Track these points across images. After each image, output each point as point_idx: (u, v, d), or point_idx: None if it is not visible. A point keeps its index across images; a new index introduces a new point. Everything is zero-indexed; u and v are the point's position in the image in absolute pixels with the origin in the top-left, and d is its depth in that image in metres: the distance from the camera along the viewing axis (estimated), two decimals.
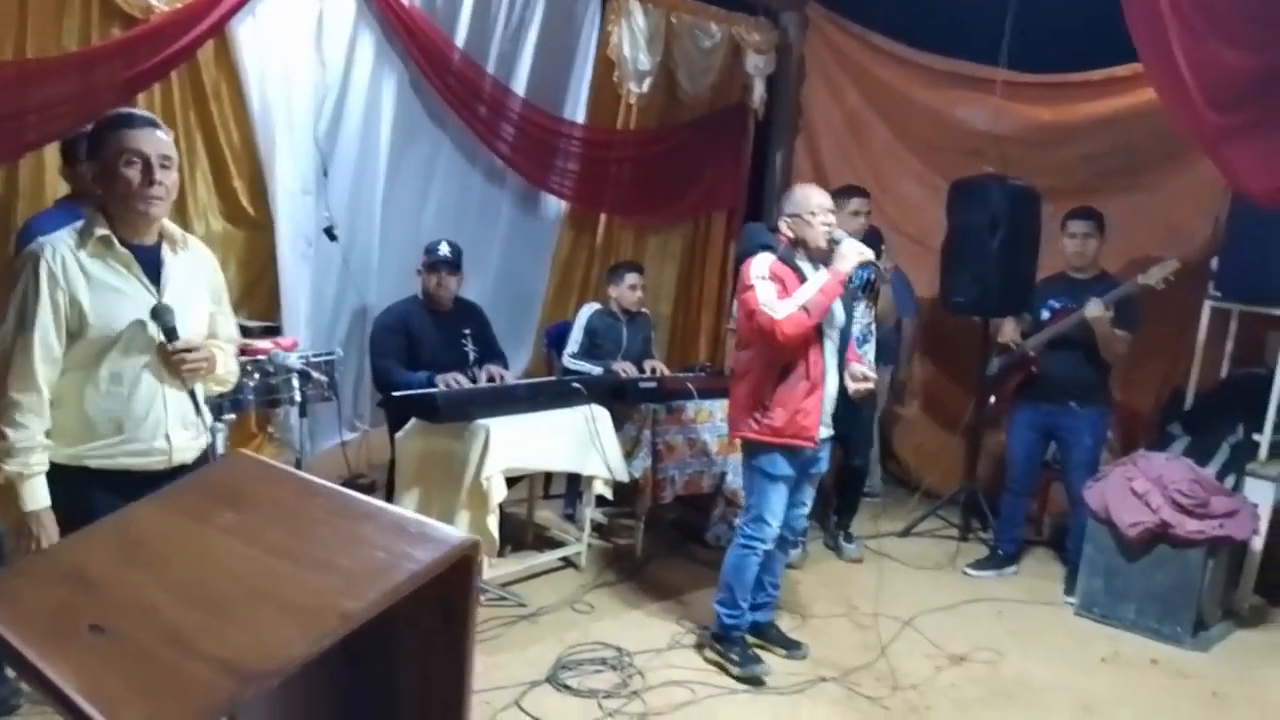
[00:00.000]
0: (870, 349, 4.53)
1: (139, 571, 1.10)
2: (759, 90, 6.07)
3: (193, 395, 2.30)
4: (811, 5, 6.13)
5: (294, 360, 3.57)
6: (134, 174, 2.14)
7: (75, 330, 2.14)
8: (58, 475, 2.17)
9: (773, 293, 3.13)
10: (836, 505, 4.76)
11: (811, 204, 3.26)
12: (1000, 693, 3.42)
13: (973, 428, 4.92)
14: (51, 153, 3.53)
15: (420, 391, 3.80)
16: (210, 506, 1.21)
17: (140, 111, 2.33)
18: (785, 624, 3.76)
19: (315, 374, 3.72)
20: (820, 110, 6.24)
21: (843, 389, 3.39)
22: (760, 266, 3.20)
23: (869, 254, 3.20)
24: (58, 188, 3.52)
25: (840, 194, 4.65)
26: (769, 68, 6.09)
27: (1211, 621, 3.89)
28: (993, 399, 4.62)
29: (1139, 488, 3.82)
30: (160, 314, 2.19)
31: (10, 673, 2.83)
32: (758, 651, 3.45)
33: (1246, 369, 4.50)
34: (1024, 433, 4.41)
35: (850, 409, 4.40)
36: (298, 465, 3.56)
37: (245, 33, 3.93)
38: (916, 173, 5.76)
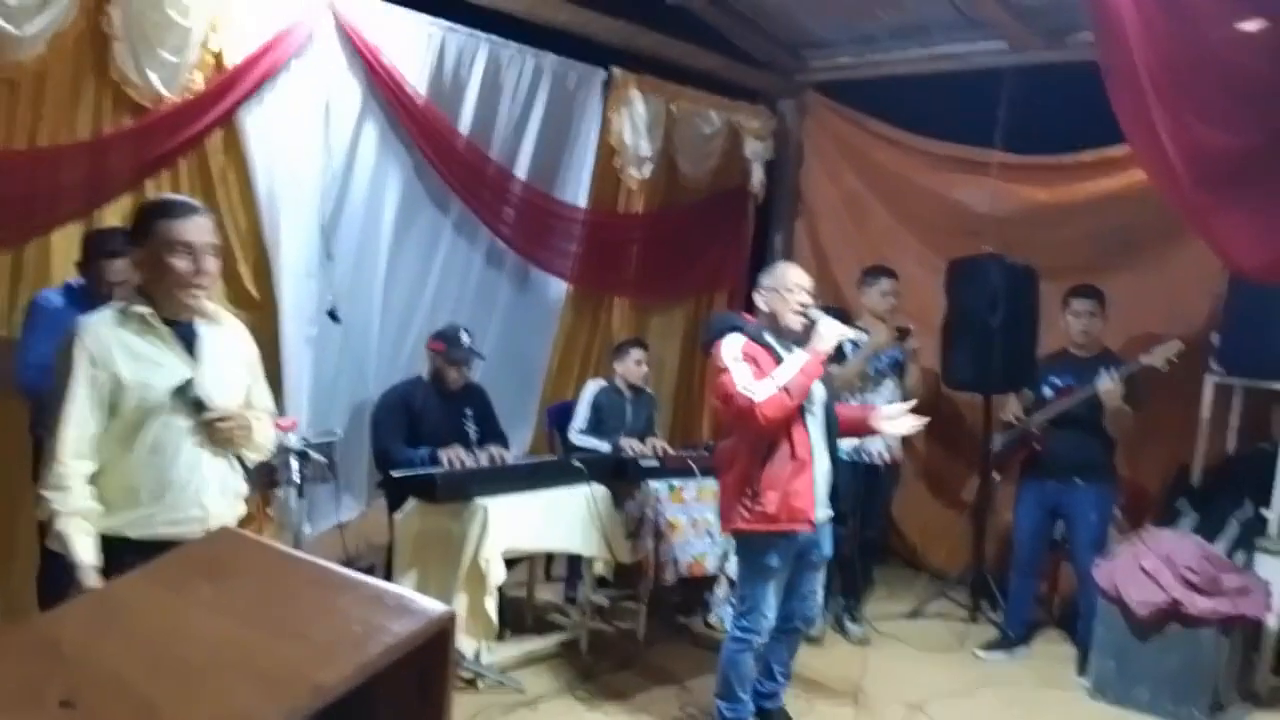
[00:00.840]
0: None
1: (112, 643, 1.08)
2: (758, 175, 6.18)
3: (240, 460, 2.41)
4: (809, 93, 6.28)
5: (294, 441, 3.56)
6: (184, 265, 2.24)
7: (115, 404, 2.21)
8: (101, 546, 2.20)
9: (749, 374, 3.07)
10: (843, 583, 4.68)
11: (789, 280, 3.24)
12: None
13: (979, 507, 4.87)
14: (59, 237, 3.59)
15: (419, 471, 3.79)
16: (190, 579, 1.20)
17: (183, 199, 2.43)
18: (790, 705, 3.65)
19: (315, 455, 3.72)
20: (819, 193, 6.34)
21: (853, 465, 3.34)
22: (731, 348, 3.14)
23: (849, 333, 3.19)
24: (65, 270, 3.57)
25: (870, 274, 4.77)
26: (768, 153, 6.21)
27: (1229, 703, 3.78)
28: (997, 476, 4.58)
29: (1148, 566, 3.76)
30: (184, 391, 2.25)
31: None
32: None
33: (1253, 444, 4.46)
34: (1030, 511, 4.37)
35: (862, 479, 4.45)
36: (295, 546, 3.52)
37: (253, 121, 4.02)
38: (916, 253, 5.81)
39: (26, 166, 3.46)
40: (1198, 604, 3.63)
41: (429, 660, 1.03)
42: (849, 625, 4.60)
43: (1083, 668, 4.11)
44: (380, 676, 1.00)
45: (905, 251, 5.84)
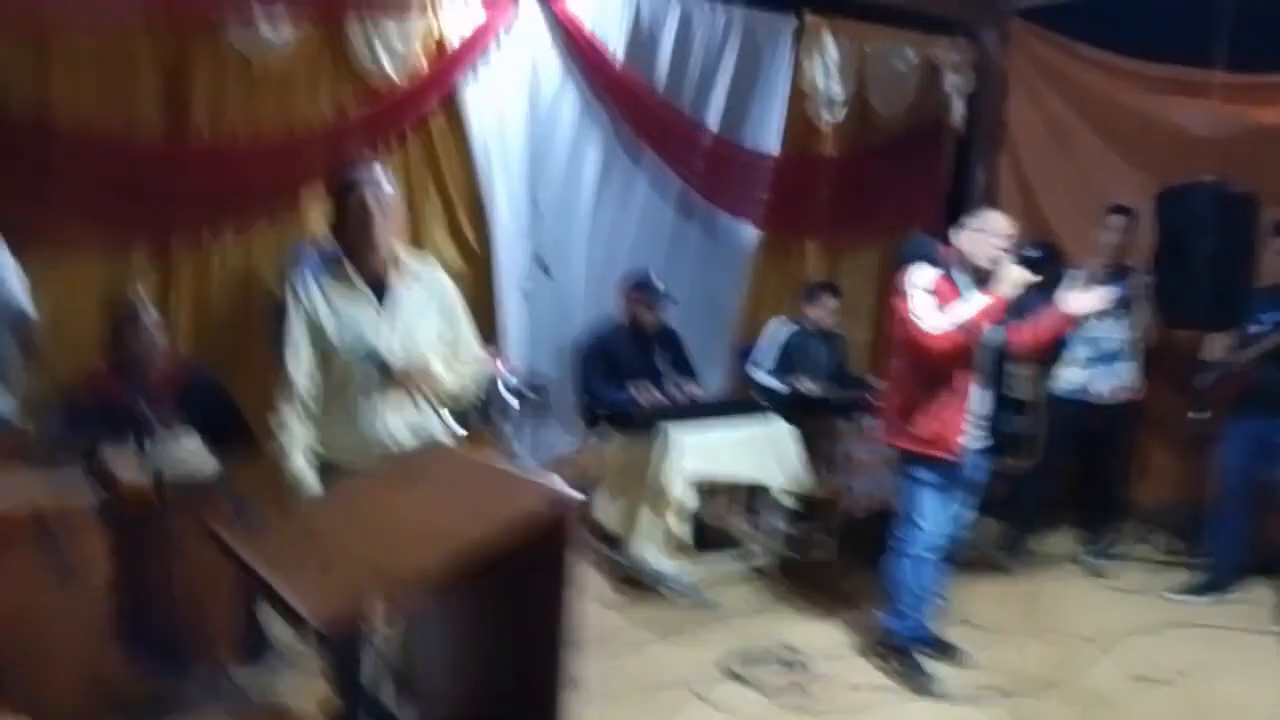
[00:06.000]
0: (1123, 368, 4.54)
1: (352, 527, 1.50)
2: (957, 109, 6.08)
3: (429, 403, 2.69)
4: (1013, 20, 6.09)
5: (511, 380, 4.06)
6: (357, 218, 2.58)
7: (322, 346, 2.59)
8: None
9: (930, 304, 3.21)
10: (1085, 518, 4.85)
11: (994, 226, 3.32)
12: (1195, 717, 3.31)
13: (1188, 445, 4.72)
14: (312, 208, 4.21)
15: (617, 407, 4.20)
16: (405, 480, 1.60)
17: (365, 165, 2.73)
18: (973, 638, 3.80)
19: (529, 393, 4.20)
20: (1024, 124, 6.15)
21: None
22: (921, 276, 3.28)
23: (1031, 278, 3.22)
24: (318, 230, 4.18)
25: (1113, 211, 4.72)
26: (968, 86, 6.09)
27: None
28: (1199, 415, 4.42)
29: None
30: (370, 357, 2.58)
31: (263, 628, 3.41)
32: (927, 665, 3.51)
33: None
34: (1237, 450, 4.21)
35: (1088, 418, 4.56)
36: None
37: (470, 95, 4.50)
38: (1132, 184, 5.54)
39: (285, 148, 4.08)
40: None
41: (559, 530, 1.37)
42: (1087, 558, 4.68)
43: None
44: (525, 542, 1.34)
45: (1118, 181, 5.59)
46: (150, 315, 3.32)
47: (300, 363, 2.57)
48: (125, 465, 3.01)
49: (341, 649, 2.72)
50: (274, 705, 3.16)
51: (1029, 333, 3.40)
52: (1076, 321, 3.51)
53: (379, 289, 2.65)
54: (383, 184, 2.62)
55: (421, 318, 2.70)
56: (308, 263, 2.69)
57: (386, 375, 2.59)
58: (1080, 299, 3.39)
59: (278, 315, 3.73)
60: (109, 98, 3.79)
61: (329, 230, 2.71)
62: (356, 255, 2.63)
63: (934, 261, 3.35)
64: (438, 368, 2.71)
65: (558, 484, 1.41)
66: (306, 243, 4.02)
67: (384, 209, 2.60)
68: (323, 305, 2.60)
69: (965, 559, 4.33)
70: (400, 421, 2.64)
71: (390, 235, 2.63)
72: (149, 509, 2.87)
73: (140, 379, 3.27)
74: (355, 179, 2.61)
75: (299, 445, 2.55)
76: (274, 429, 2.56)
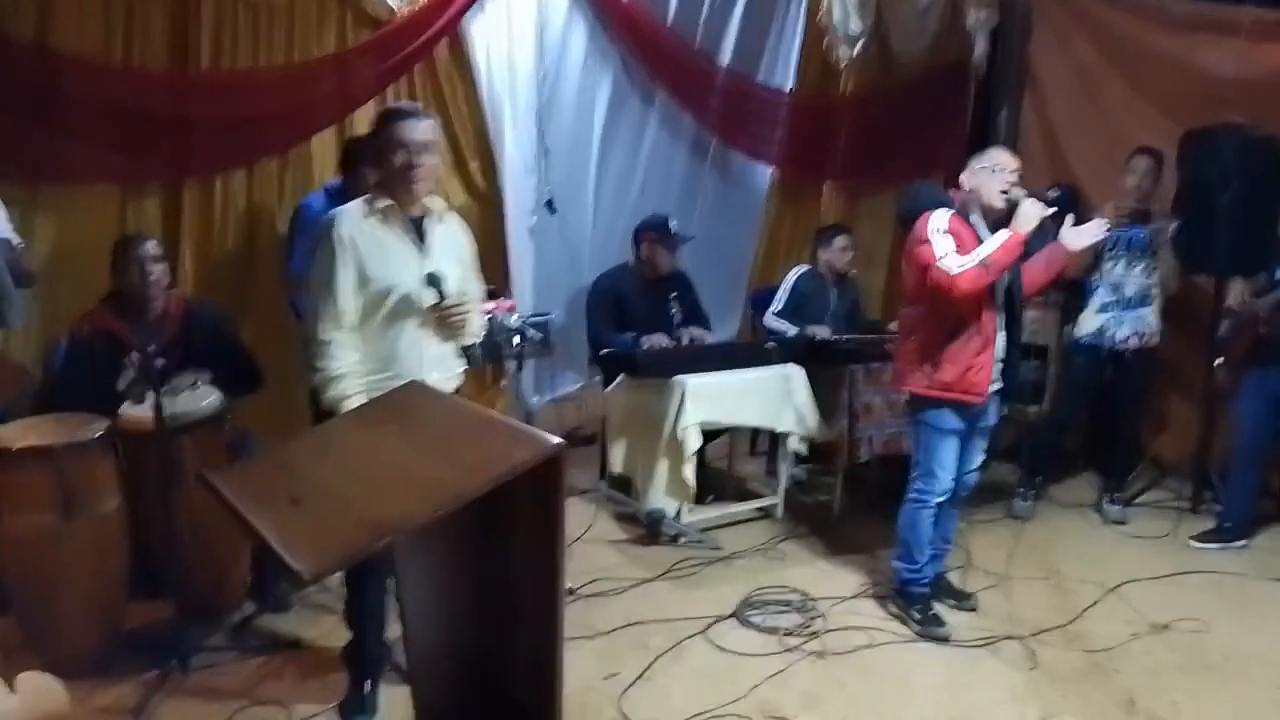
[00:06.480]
0: (1148, 313, 4.46)
1: (327, 462, 1.46)
2: (980, 46, 5.91)
3: (456, 340, 2.74)
4: None
5: (512, 320, 4.01)
6: (400, 159, 2.54)
7: (361, 284, 2.55)
8: None
9: (951, 247, 3.14)
10: (1106, 466, 4.77)
11: (998, 160, 3.27)
12: (1200, 662, 3.29)
13: (1208, 394, 4.65)
14: (317, 144, 4.13)
15: (623, 350, 4.15)
16: (384, 419, 1.56)
17: (408, 105, 2.73)
18: (981, 583, 3.79)
19: (531, 333, 4.15)
20: (1049, 65, 5.97)
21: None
22: (939, 220, 3.21)
23: (1047, 211, 3.16)
24: (322, 173, 4.11)
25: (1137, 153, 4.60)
26: (991, 22, 5.91)
27: None
28: (1220, 362, 4.35)
29: None
30: (435, 280, 2.58)
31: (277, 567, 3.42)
32: (941, 611, 3.49)
33: None
34: (1254, 399, 4.14)
35: (1107, 365, 4.49)
36: (527, 418, 3.99)
37: (476, 28, 4.39)
38: (1158, 127, 5.38)
39: (284, 80, 3.99)
40: None
41: (547, 479, 1.32)
42: (1106, 506, 4.62)
43: None
44: (512, 489, 1.30)
45: (1145, 126, 5.42)
46: (151, 248, 3.27)
47: (344, 293, 2.53)
48: (126, 400, 3.01)
49: (352, 588, 2.74)
50: (287, 645, 3.16)
51: (1031, 272, 3.34)
52: (1080, 257, 3.39)
53: (417, 231, 2.63)
54: (426, 124, 2.59)
55: (449, 261, 2.69)
56: (349, 209, 2.62)
57: (435, 303, 2.58)
58: (1077, 232, 3.30)
59: (292, 249, 3.75)
60: (112, 28, 3.70)
61: (369, 168, 2.66)
62: (396, 196, 2.60)
63: (947, 206, 3.30)
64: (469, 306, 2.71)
65: (544, 434, 1.35)
66: (317, 193, 3.94)
67: (426, 151, 2.57)
68: (365, 239, 2.56)
69: (980, 505, 4.35)
70: (429, 356, 2.66)
71: (430, 175, 2.60)
72: (150, 444, 2.85)
73: (140, 312, 3.24)
74: (399, 116, 2.58)
75: (347, 371, 2.53)
76: (318, 358, 2.52)
